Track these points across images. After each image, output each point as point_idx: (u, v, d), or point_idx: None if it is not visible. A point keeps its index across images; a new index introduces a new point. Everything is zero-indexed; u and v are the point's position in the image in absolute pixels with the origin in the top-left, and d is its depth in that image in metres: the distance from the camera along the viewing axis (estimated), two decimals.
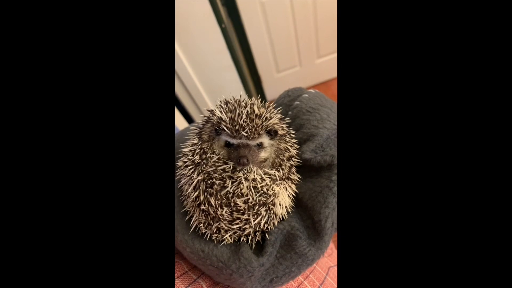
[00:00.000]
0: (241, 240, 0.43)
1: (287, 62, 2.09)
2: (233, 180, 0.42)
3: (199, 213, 0.43)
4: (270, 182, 0.44)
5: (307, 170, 0.48)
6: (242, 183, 0.42)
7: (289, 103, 0.57)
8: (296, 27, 1.84)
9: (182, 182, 0.46)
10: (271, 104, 0.51)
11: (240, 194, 0.42)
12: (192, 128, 0.50)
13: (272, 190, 0.43)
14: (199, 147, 0.46)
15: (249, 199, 0.42)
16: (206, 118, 0.48)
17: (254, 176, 0.43)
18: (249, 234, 0.43)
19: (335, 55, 2.08)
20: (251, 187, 0.42)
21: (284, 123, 0.49)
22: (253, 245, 0.44)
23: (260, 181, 0.43)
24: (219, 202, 0.42)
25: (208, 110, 0.49)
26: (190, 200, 0.45)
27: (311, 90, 0.57)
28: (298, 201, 0.47)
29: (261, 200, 0.42)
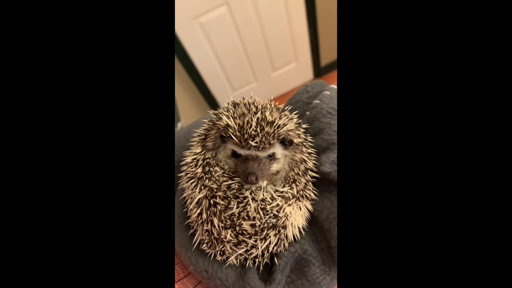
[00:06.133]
0: (248, 264, 0.39)
1: (242, 80, 1.87)
2: (239, 200, 0.37)
3: (202, 232, 0.39)
4: (281, 202, 0.38)
5: (326, 183, 0.42)
6: (249, 204, 0.37)
7: (307, 101, 0.49)
8: (244, 43, 1.63)
9: (185, 194, 0.42)
10: (286, 108, 0.43)
11: (246, 216, 0.37)
12: (196, 134, 0.44)
13: (284, 212, 0.38)
14: (202, 157, 0.41)
15: (256, 223, 0.37)
16: (211, 122, 0.42)
17: (263, 195, 0.37)
18: (256, 256, 0.39)
19: (292, 65, 1.89)
20: (259, 209, 0.37)
21: (301, 130, 0.42)
22: (261, 267, 0.40)
23: (270, 201, 0.38)
24: (222, 224, 0.37)
25: (214, 113, 0.42)
26: (193, 215, 0.40)
27: (334, 86, 0.48)
28: (313, 218, 0.42)
29: (270, 222, 0.37)
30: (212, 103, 1.80)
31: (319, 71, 2.04)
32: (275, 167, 0.40)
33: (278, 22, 1.62)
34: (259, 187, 0.38)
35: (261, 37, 1.65)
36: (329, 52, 1.93)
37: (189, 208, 0.41)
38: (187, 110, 1.69)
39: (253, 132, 0.37)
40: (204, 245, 0.40)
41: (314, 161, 0.42)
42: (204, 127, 0.43)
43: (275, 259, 0.39)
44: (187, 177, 0.41)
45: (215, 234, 0.38)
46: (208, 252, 0.40)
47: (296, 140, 0.40)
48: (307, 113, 0.47)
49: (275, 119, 0.38)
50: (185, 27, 1.40)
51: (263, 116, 0.38)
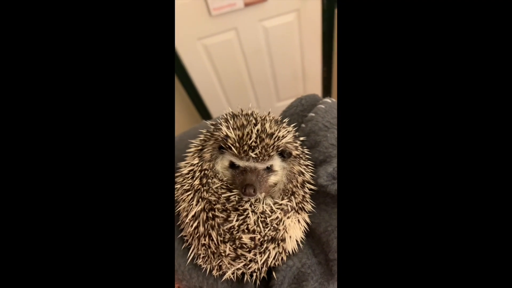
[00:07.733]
0: (245, 279, 0.38)
1: (243, 104, 1.69)
2: (239, 213, 0.36)
3: (199, 246, 0.38)
4: (280, 214, 0.38)
5: (322, 195, 0.43)
6: (249, 217, 0.36)
7: (302, 113, 0.50)
8: (249, 71, 1.55)
9: (180, 206, 0.40)
10: (285, 121, 0.44)
11: (246, 229, 0.36)
12: (193, 145, 0.43)
13: (283, 224, 0.38)
14: (200, 168, 0.40)
15: (256, 236, 0.36)
16: (209, 133, 0.42)
17: (263, 208, 0.37)
18: (254, 271, 0.38)
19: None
20: (259, 221, 0.36)
21: (298, 142, 0.43)
22: (258, 282, 0.39)
23: (270, 214, 0.37)
24: (221, 237, 0.36)
25: (212, 124, 0.42)
26: (189, 228, 0.39)
27: (328, 100, 0.49)
28: (310, 230, 0.42)
29: (270, 235, 0.37)
30: (205, 113, 1.76)
31: None
32: (272, 179, 0.40)
33: (290, 56, 1.56)
34: (258, 199, 0.38)
35: (269, 68, 1.59)
36: None
37: (185, 222, 0.39)
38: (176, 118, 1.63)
39: (253, 144, 0.36)
40: (200, 259, 0.38)
41: (311, 174, 0.42)
42: (201, 138, 0.43)
43: (273, 273, 0.38)
44: (183, 189, 0.40)
45: (213, 248, 0.37)
46: (203, 267, 0.38)
47: (294, 152, 0.41)
48: (303, 125, 0.47)
49: (274, 131, 0.38)
50: (187, 45, 1.34)
51: (263, 128, 0.38)
